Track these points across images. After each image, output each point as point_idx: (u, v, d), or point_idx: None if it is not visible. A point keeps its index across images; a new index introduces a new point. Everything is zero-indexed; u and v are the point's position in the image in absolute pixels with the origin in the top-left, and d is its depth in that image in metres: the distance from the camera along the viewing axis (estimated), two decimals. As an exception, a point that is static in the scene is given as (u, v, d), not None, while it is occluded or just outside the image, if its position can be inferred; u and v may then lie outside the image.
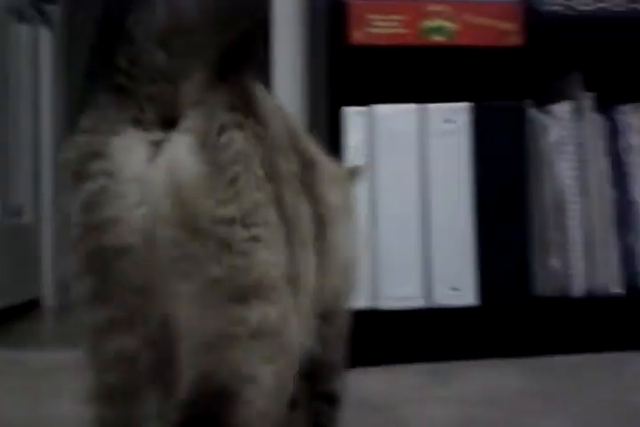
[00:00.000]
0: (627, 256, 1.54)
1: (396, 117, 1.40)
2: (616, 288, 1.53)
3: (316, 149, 0.72)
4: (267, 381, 0.53)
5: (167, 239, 0.51)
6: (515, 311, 1.49)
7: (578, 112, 1.53)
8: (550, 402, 1.19)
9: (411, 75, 1.52)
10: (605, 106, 1.55)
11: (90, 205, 0.53)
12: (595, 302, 1.52)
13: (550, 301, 1.51)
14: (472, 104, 1.45)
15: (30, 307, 2.45)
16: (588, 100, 1.53)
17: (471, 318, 1.47)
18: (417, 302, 1.44)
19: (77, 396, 1.31)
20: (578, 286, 1.51)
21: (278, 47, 1.61)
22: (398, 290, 1.43)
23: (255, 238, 0.52)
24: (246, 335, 0.52)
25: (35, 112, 2.52)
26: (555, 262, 1.52)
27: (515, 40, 1.43)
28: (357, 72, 1.44)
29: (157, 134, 0.51)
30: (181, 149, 0.50)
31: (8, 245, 2.24)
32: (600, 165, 1.54)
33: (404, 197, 1.43)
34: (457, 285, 1.45)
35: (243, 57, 0.53)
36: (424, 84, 1.50)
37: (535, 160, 1.52)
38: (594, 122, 1.54)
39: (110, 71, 0.50)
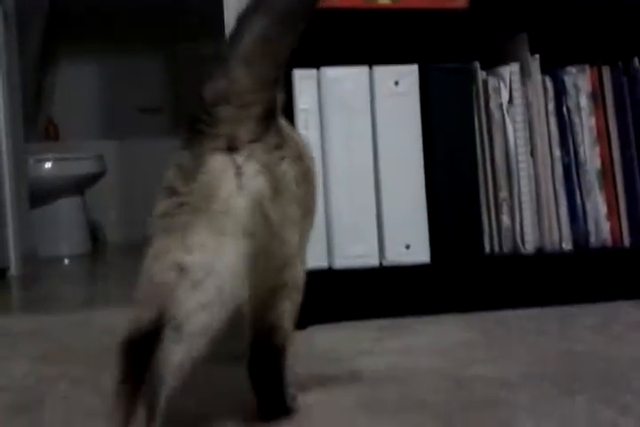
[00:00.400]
0: (575, 214, 1.59)
1: (346, 80, 1.42)
2: (566, 245, 1.58)
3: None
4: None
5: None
6: (466, 269, 1.54)
7: (525, 74, 1.57)
8: (495, 351, 1.24)
9: (359, 37, 1.54)
10: (552, 67, 1.58)
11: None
12: (545, 259, 1.57)
13: (501, 258, 1.56)
14: (420, 66, 1.47)
15: (-3, 277, 2.48)
16: (534, 61, 1.56)
17: (424, 275, 1.51)
18: (370, 261, 1.48)
19: (31, 356, 1.34)
20: (528, 244, 1.56)
21: (229, 7, 1.62)
22: (352, 249, 1.47)
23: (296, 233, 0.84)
24: None
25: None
26: (505, 220, 1.57)
27: (460, 2, 1.45)
28: (306, 35, 1.45)
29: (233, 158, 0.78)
30: (258, 179, 0.78)
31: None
32: (548, 125, 1.58)
33: (355, 158, 1.45)
34: (409, 243, 1.49)
35: (276, 108, 0.82)
36: (373, 47, 1.52)
37: (484, 121, 1.55)
38: (541, 83, 1.57)
39: (195, 122, 0.79)
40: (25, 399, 1.06)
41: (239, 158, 0.78)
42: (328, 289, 1.46)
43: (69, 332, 1.55)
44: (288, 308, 0.89)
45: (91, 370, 1.20)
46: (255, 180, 0.78)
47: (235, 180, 0.77)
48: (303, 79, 1.43)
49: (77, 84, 4.29)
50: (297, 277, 0.90)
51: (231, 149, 0.78)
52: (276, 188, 0.79)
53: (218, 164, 0.77)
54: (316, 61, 1.45)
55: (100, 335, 1.47)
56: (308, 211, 0.90)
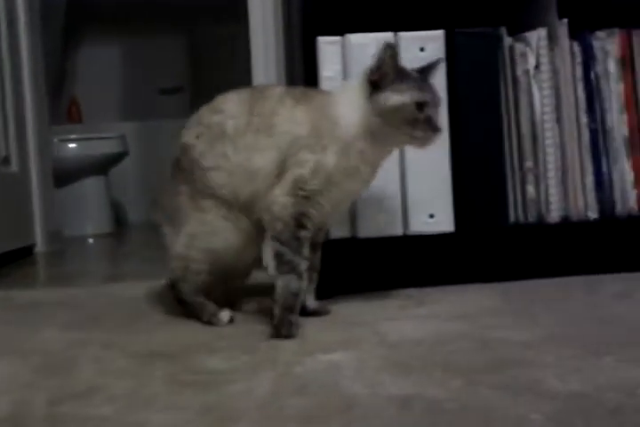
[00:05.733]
0: (601, 182, 1.57)
1: (370, 46, 1.40)
2: (592, 214, 1.56)
3: None
4: None
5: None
6: (491, 238, 1.53)
7: (552, 39, 1.54)
8: (521, 317, 1.24)
9: (384, 3, 1.52)
10: (580, 32, 1.55)
11: None
12: (570, 228, 1.55)
13: (526, 227, 1.55)
14: (446, 31, 1.45)
15: (25, 253, 2.52)
16: (562, 26, 1.53)
17: (448, 245, 1.50)
18: (394, 230, 1.47)
19: (59, 323, 1.37)
20: (553, 213, 1.55)
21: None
22: (376, 218, 1.46)
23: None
24: None
25: (15, 66, 2.52)
26: (531, 189, 1.55)
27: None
28: (331, 1, 1.44)
29: None
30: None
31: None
32: (575, 92, 1.55)
33: (379, 126, 1.44)
34: (434, 212, 1.48)
35: None
36: (397, 13, 1.50)
37: (510, 87, 1.53)
38: (568, 49, 1.54)
39: None
40: (57, 362, 1.08)
41: None
42: (352, 259, 1.46)
43: (95, 302, 1.57)
44: None
45: (117, 335, 1.23)
46: None
47: None
48: (327, 46, 1.42)
49: (99, 65, 4.31)
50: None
51: None
52: None
53: None
54: (341, 28, 1.44)
55: (123, 305, 1.50)
56: None
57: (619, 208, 1.56)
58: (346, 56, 1.43)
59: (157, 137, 4.09)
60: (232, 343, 1.13)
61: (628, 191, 1.56)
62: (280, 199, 1.20)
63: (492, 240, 1.53)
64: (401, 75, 1.19)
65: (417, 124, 1.18)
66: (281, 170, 1.22)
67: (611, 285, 1.43)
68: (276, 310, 1.18)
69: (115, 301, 1.56)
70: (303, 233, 1.20)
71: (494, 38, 1.50)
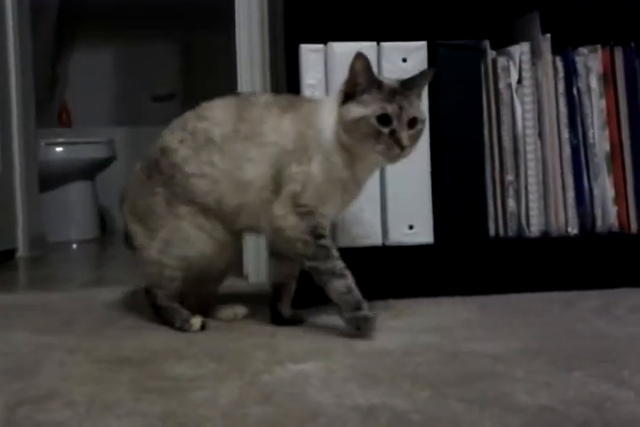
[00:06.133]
0: (582, 198, 1.57)
1: (353, 55, 1.40)
2: (572, 229, 1.56)
3: None
4: None
5: None
6: (470, 251, 1.52)
7: (535, 54, 1.54)
8: (495, 331, 1.23)
9: (368, 13, 1.52)
10: (563, 47, 1.56)
11: None
12: (550, 243, 1.55)
13: (506, 241, 1.55)
14: (429, 42, 1.46)
15: (6, 257, 2.49)
16: (545, 41, 1.54)
17: (427, 256, 1.49)
18: (373, 240, 1.47)
19: (32, 327, 1.34)
20: (533, 227, 1.54)
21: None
22: (355, 228, 1.46)
23: None
24: None
25: (2, 69, 2.51)
26: (511, 203, 1.55)
27: (472, -22, 1.43)
28: (314, 9, 1.44)
29: None
30: None
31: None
32: (557, 107, 1.56)
33: (360, 135, 1.44)
34: (413, 223, 1.48)
35: None
36: (381, 23, 1.50)
37: (492, 101, 1.53)
38: (551, 63, 1.55)
39: None
40: (22, 366, 1.06)
41: None
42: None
43: (70, 307, 1.55)
44: None
45: (87, 340, 1.21)
46: None
47: None
48: (310, 54, 1.42)
49: (91, 70, 4.30)
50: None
51: None
52: None
53: None
54: (324, 37, 1.44)
55: (98, 310, 1.48)
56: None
57: (599, 224, 1.56)
58: (328, 64, 1.43)
59: (148, 143, 4.08)
60: (202, 350, 1.11)
61: (608, 207, 1.56)
62: (287, 222, 1.19)
63: (471, 253, 1.52)
64: (372, 85, 1.15)
65: (380, 138, 1.13)
66: (276, 185, 1.20)
67: (589, 300, 1.42)
68: (345, 315, 1.17)
69: (90, 306, 1.54)
70: (323, 241, 1.20)
71: (477, 51, 1.50)
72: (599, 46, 1.56)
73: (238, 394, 0.89)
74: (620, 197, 1.57)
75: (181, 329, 1.25)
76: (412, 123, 1.16)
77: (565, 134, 1.56)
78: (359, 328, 1.16)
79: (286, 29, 1.42)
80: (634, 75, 1.57)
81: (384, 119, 1.13)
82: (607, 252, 1.55)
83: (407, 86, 1.17)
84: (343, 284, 1.18)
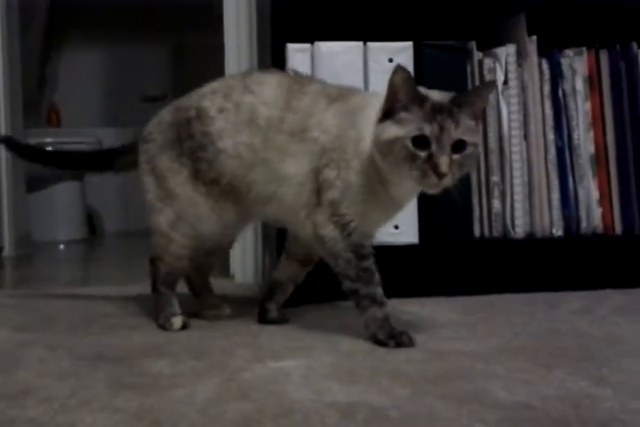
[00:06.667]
0: (567, 200, 1.57)
1: (340, 55, 1.41)
2: (557, 231, 1.56)
3: None
4: None
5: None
6: (455, 251, 1.52)
7: (521, 55, 1.55)
8: (478, 330, 1.22)
9: (355, 13, 1.52)
10: (549, 50, 1.57)
11: None
12: (534, 245, 1.55)
13: (491, 242, 1.55)
14: (415, 43, 1.46)
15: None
16: (531, 43, 1.54)
17: (412, 256, 1.49)
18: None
19: (13, 325, 1.33)
20: (518, 229, 1.55)
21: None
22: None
23: None
24: None
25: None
26: (496, 204, 1.55)
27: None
28: (301, 10, 1.44)
29: None
30: None
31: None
32: (543, 108, 1.57)
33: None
34: (398, 223, 1.47)
35: None
36: (368, 23, 1.50)
37: (478, 102, 1.54)
38: (537, 65, 1.56)
39: None
40: (1, 362, 1.05)
41: None
42: (317, 268, 1.44)
43: (53, 305, 1.54)
44: None
45: (68, 337, 1.20)
46: None
47: None
48: (297, 53, 1.42)
49: (82, 71, 4.29)
50: None
51: None
52: None
53: None
54: (311, 36, 1.44)
55: (83, 309, 1.47)
56: None
57: (584, 226, 1.57)
58: (315, 63, 1.43)
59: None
60: (183, 348, 1.11)
61: (593, 209, 1.57)
62: (326, 231, 1.11)
63: (456, 253, 1.52)
64: (414, 102, 1.01)
65: (415, 163, 1.00)
66: (314, 184, 1.12)
67: (573, 301, 1.43)
68: (379, 337, 1.11)
69: (73, 304, 1.53)
70: (366, 263, 1.12)
71: (463, 52, 1.51)
72: (585, 49, 1.57)
73: (217, 391, 0.89)
74: (605, 199, 1.57)
75: (162, 328, 1.24)
76: (459, 147, 1.00)
77: (551, 136, 1.57)
78: (400, 343, 1.09)
79: (273, 29, 1.42)
80: (619, 77, 1.58)
81: (421, 141, 0.99)
82: (591, 253, 1.55)
83: (457, 103, 1.02)
84: (382, 313, 1.12)
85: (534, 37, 1.54)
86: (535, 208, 1.56)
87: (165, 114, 1.26)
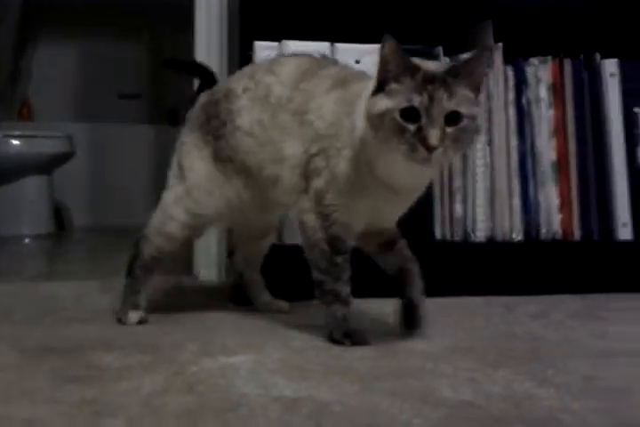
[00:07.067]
0: (528, 205, 1.59)
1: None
2: (516, 235, 1.58)
3: None
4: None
5: None
6: (416, 254, 1.52)
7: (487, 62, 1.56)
8: (431, 330, 1.22)
9: (323, 14, 1.53)
10: (514, 57, 1.59)
11: None
12: (494, 249, 1.57)
13: (451, 245, 1.56)
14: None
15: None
16: (497, 50, 1.56)
17: (372, 259, 1.49)
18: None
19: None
20: (479, 233, 1.56)
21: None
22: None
23: None
24: None
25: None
26: (458, 208, 1.56)
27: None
28: (270, 9, 1.45)
29: None
30: None
31: None
32: (507, 115, 1.59)
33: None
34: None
35: None
36: (336, 24, 1.51)
37: (443, 106, 1.55)
38: (502, 72, 1.58)
39: None
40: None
41: None
42: (279, 265, 1.45)
43: (10, 298, 1.51)
44: None
45: (17, 330, 1.18)
46: None
47: None
48: (264, 51, 1.42)
49: (55, 66, 4.23)
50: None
51: None
52: None
53: None
54: (279, 35, 1.44)
55: (43, 302, 1.45)
56: None
57: (543, 231, 1.59)
58: (282, 62, 1.43)
59: (109, 141, 4.03)
60: (134, 342, 1.10)
61: (553, 215, 1.59)
62: (307, 218, 1.11)
63: (416, 256, 1.52)
64: (405, 72, 0.96)
65: (403, 137, 0.94)
66: (305, 170, 1.11)
67: (530, 305, 1.44)
68: (334, 335, 1.11)
69: (34, 297, 1.51)
70: (340, 259, 1.11)
71: (429, 56, 1.52)
72: (549, 58, 1.59)
73: (162, 384, 0.88)
74: (565, 206, 1.60)
75: (119, 321, 1.23)
76: (453, 119, 0.94)
77: (514, 142, 1.59)
78: (355, 342, 1.09)
79: (241, 26, 1.42)
80: (581, 86, 1.61)
81: (410, 114, 0.94)
82: (550, 258, 1.57)
83: (453, 73, 0.96)
84: (342, 312, 1.11)
85: (500, 44, 1.56)
86: (496, 213, 1.58)
87: (203, 96, 1.28)
